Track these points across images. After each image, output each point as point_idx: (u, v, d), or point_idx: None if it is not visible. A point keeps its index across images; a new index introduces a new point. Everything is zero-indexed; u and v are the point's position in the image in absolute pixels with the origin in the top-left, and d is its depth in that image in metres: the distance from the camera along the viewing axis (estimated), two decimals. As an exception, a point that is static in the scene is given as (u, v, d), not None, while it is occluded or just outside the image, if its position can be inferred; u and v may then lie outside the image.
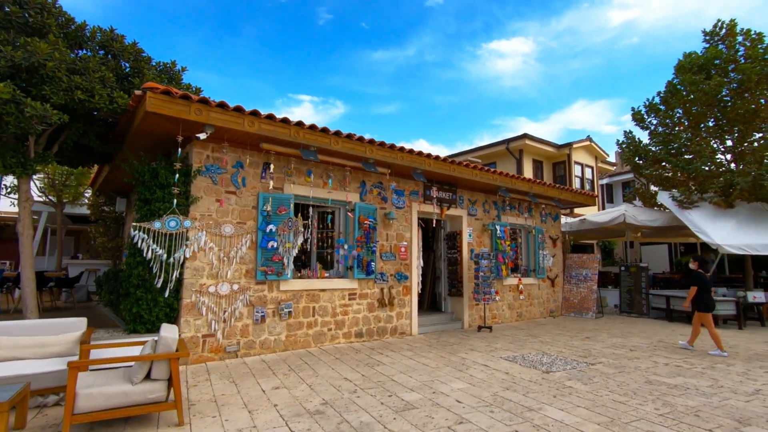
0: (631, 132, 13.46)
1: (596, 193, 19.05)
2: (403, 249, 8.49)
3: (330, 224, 7.75)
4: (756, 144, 10.48)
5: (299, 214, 7.15)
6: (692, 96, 11.34)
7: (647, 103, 13.13)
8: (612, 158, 24.27)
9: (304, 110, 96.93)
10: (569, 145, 19.36)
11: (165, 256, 5.44)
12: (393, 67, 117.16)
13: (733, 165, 11.51)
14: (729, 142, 11.59)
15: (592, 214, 14.35)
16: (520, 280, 10.86)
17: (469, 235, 9.84)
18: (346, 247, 7.42)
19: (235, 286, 6.29)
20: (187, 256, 5.63)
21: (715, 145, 11.57)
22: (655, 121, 13.02)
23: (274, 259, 6.59)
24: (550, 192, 10.98)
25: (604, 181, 24.72)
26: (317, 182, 7.40)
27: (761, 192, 10.06)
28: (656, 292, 11.50)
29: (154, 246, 5.37)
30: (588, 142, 20.18)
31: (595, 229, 13.74)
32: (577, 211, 18.07)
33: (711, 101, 11.26)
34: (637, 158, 13.03)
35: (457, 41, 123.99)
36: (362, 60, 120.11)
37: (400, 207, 8.56)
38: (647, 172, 13.06)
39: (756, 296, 10.33)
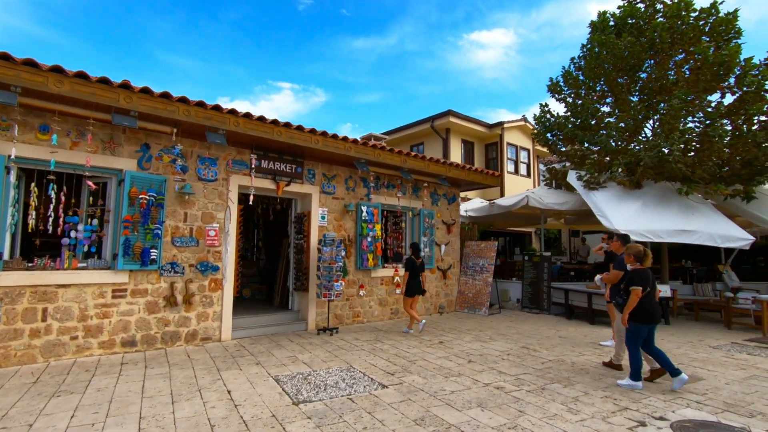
0: (547, 105, 11.90)
1: (501, 172, 17.59)
2: (212, 233, 6.70)
3: (91, 199, 5.89)
4: (667, 112, 9.02)
5: (34, 185, 5.27)
6: (601, 58, 9.83)
7: (564, 70, 11.61)
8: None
9: (285, 97, 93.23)
10: (501, 124, 17.83)
11: None
12: (374, 56, 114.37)
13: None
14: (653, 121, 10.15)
15: (503, 198, 12.87)
16: (396, 270, 9.24)
17: (322, 217, 8.12)
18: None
19: None
20: None
21: (643, 121, 10.03)
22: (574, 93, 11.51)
23: (-41, 244, 4.71)
24: (434, 168, 9.32)
25: (557, 166, 23.38)
26: (63, 141, 5.51)
27: (667, 169, 8.63)
28: (557, 285, 10.07)
29: None
30: (523, 122, 18.66)
31: (505, 213, 12.24)
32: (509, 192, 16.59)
33: (621, 65, 9.77)
34: (549, 134, 11.53)
35: (439, 31, 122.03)
36: (343, 48, 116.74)
37: (209, 180, 6.74)
38: (563, 150, 11.61)
39: (661, 290, 8.96)
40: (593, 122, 10.26)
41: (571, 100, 11.43)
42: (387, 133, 18.93)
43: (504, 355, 6.02)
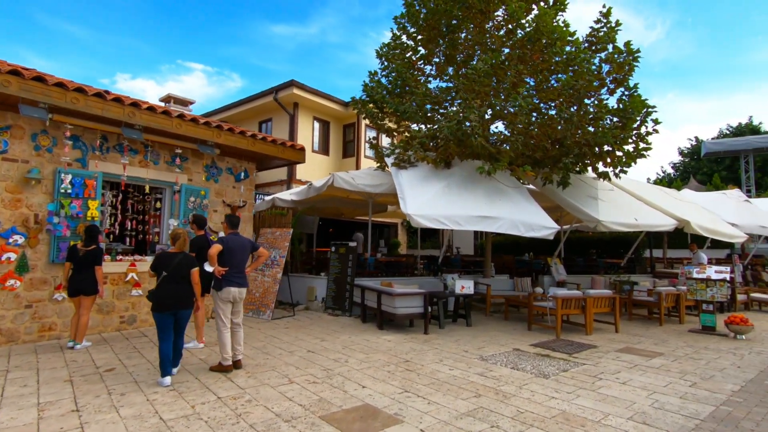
0: (376, 73, 10.28)
1: (357, 155, 16.24)
2: None
3: None
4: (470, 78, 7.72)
5: None
6: (413, 14, 8.37)
7: (392, 33, 10.06)
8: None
9: (197, 80, 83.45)
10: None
11: None
12: (294, 44, 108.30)
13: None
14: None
15: (319, 180, 11.09)
16: (133, 264, 6.89)
17: (-24, 187, 5.49)
18: None
19: None
20: None
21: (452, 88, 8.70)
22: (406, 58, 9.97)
23: None
24: (190, 129, 7.06)
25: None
26: None
27: (467, 143, 7.36)
28: (359, 282, 8.46)
29: None
30: (385, 103, 17.21)
31: (344, 200, 10.52)
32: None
33: (437, 25, 8.39)
34: (372, 104, 9.91)
35: (361, 26, 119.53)
36: (262, 32, 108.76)
37: None
38: (384, 123, 10.10)
39: (464, 286, 7.74)
40: (406, 88, 8.79)
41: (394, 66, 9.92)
42: (229, 107, 16.29)
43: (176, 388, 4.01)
